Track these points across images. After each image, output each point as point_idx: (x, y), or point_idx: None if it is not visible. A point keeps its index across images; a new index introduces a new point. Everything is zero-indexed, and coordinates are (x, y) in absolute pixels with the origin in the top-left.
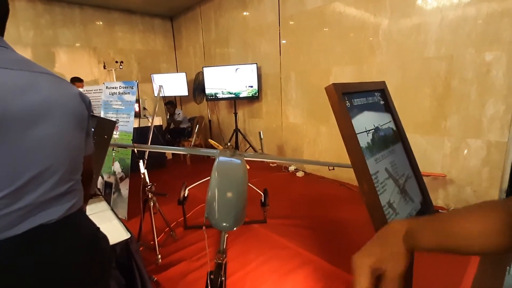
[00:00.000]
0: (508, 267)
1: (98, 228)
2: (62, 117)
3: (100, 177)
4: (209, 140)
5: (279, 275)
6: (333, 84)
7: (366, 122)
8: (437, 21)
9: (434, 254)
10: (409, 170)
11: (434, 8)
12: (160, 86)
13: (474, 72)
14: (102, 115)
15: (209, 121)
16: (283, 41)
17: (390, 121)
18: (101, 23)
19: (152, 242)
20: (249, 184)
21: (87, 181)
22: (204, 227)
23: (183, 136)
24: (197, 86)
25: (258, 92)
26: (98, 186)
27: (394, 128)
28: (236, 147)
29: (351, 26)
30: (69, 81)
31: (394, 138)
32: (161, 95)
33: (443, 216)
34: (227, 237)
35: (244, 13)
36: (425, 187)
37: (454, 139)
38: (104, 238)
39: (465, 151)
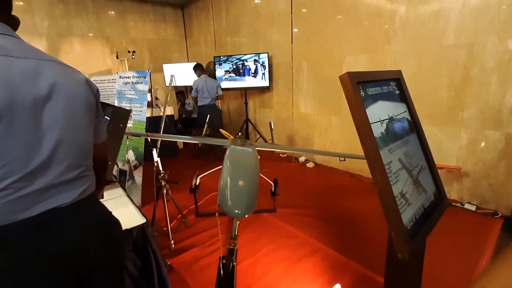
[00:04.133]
0: None
1: (111, 213)
2: (68, 103)
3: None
4: (220, 130)
5: (288, 262)
6: (348, 72)
7: (380, 112)
8: (458, 7)
9: (444, 246)
10: (423, 161)
11: None
12: (172, 76)
13: (496, 60)
14: (116, 105)
15: (220, 111)
16: (295, 30)
17: (405, 111)
18: (113, 12)
19: (165, 228)
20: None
21: (101, 168)
22: (217, 214)
23: (194, 126)
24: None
25: (269, 82)
26: (114, 173)
27: (409, 118)
28: (247, 137)
29: (366, 13)
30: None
31: (409, 128)
32: (172, 84)
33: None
34: (238, 224)
35: (256, 1)
36: (439, 179)
37: (471, 130)
38: (117, 222)
39: (482, 144)
